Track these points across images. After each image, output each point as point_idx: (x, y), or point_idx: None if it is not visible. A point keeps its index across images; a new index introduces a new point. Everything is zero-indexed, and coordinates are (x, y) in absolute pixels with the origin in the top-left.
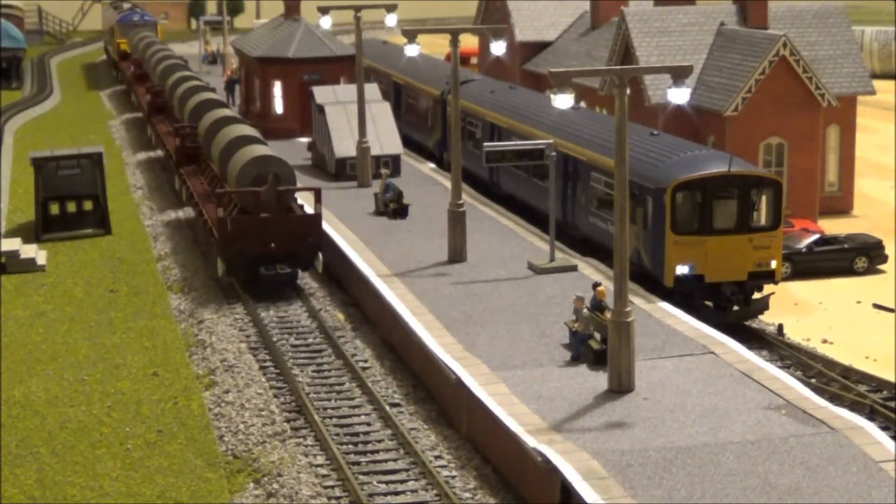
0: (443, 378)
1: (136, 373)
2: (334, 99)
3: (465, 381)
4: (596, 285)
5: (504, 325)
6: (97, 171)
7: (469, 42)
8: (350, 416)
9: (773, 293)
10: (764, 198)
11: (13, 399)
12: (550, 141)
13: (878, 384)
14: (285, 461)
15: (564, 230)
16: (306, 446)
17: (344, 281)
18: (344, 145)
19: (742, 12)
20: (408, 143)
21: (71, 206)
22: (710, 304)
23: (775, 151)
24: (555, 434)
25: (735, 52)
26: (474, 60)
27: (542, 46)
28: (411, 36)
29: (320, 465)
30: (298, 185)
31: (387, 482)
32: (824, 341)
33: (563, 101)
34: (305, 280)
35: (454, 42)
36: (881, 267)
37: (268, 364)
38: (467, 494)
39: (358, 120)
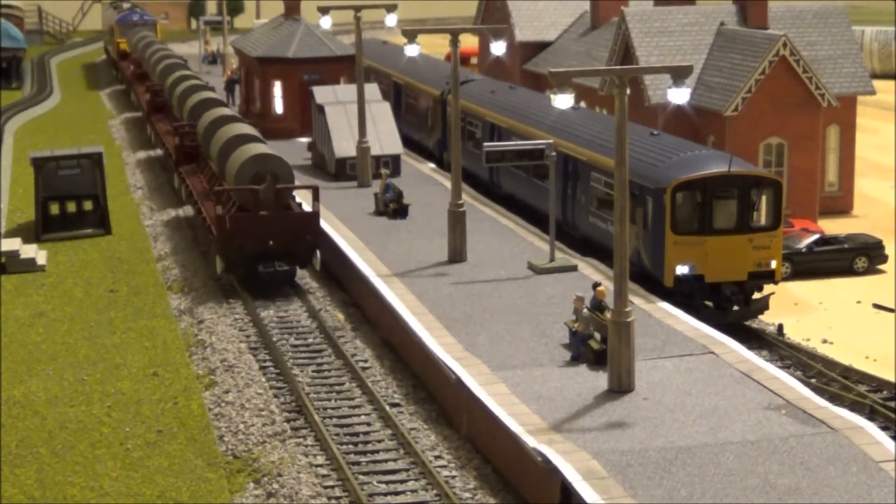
0: (443, 378)
1: (136, 373)
2: (334, 99)
3: (465, 381)
4: (596, 285)
5: (504, 325)
6: (97, 171)
7: (469, 42)
8: (350, 416)
9: (773, 293)
10: (764, 198)
11: (13, 399)
12: (550, 141)
13: (878, 384)
14: (285, 461)
15: (564, 230)
16: (306, 446)
17: (344, 281)
18: (344, 145)
19: (742, 12)
20: (408, 143)
21: (71, 206)
22: (710, 304)
23: (775, 151)
24: (555, 434)
25: (735, 52)
26: (474, 60)
27: (542, 46)
28: (411, 36)
29: (320, 465)
30: (297, 184)
31: (387, 482)
32: (824, 341)
33: (563, 101)
34: (305, 280)
35: (454, 42)
36: (881, 267)
37: (268, 364)
38: (467, 494)
39: (358, 120)
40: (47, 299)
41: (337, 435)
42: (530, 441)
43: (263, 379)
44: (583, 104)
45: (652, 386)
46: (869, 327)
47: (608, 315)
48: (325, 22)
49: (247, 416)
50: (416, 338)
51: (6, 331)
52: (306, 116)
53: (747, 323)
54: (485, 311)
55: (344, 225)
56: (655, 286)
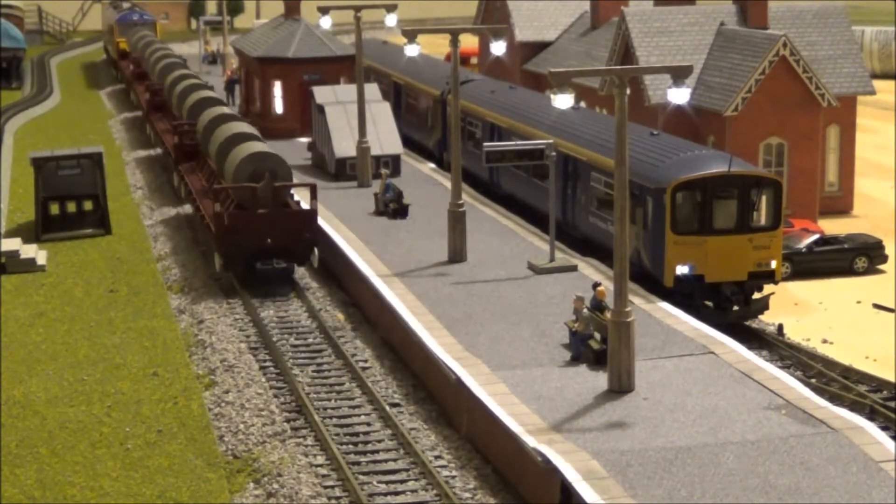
0: (443, 378)
1: (136, 373)
2: (334, 99)
3: (465, 381)
4: (596, 285)
5: (504, 325)
6: (97, 171)
7: (469, 42)
8: (350, 416)
9: (773, 293)
10: (764, 198)
11: (13, 399)
12: (550, 141)
13: (878, 384)
14: (285, 461)
15: (564, 230)
16: (306, 446)
17: (344, 281)
18: (344, 145)
19: (742, 12)
20: (408, 143)
21: (71, 206)
22: (710, 304)
23: (775, 151)
24: (555, 434)
25: (735, 52)
26: (474, 60)
27: (542, 46)
28: (411, 36)
29: (320, 465)
30: (295, 182)
31: (387, 482)
32: (824, 341)
33: (563, 101)
34: (305, 280)
35: (454, 42)
36: (881, 267)
37: (268, 364)
38: (467, 494)
39: (358, 120)
40: (47, 299)
41: (337, 435)
42: (530, 441)
43: (263, 379)
44: (583, 104)
45: (652, 386)
46: (869, 327)
47: (608, 315)
48: (325, 22)
49: (247, 416)
50: (416, 338)
51: (6, 331)
52: (306, 116)
53: (747, 323)
54: (485, 311)
55: (344, 225)
56: (655, 286)
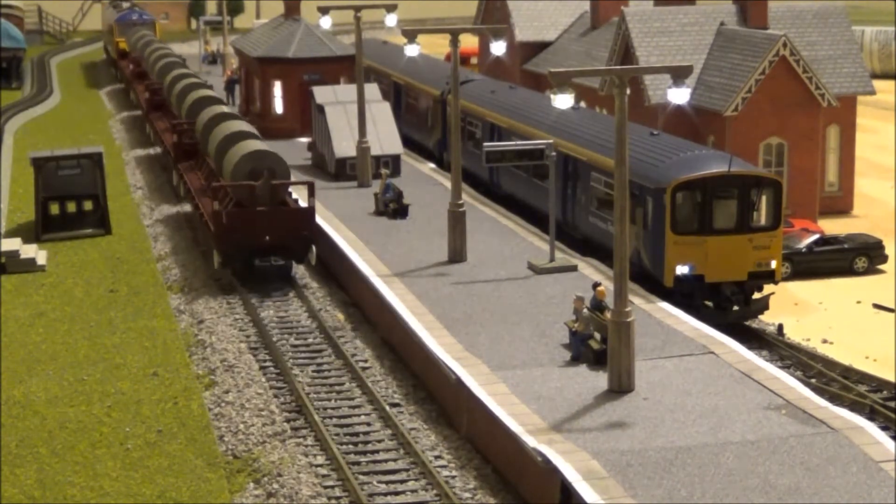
0: (443, 378)
1: (136, 373)
2: (334, 99)
3: (465, 381)
4: (596, 285)
5: (504, 325)
6: (97, 171)
7: (469, 42)
8: (350, 416)
9: (773, 293)
10: (764, 198)
11: (13, 399)
12: (550, 141)
13: (878, 384)
14: (285, 461)
15: (564, 230)
16: (306, 446)
17: (344, 281)
18: (344, 145)
19: (742, 12)
20: (408, 143)
21: (71, 206)
22: (710, 304)
23: (775, 151)
24: (555, 434)
25: (735, 52)
26: (474, 60)
27: (542, 46)
28: (411, 36)
29: (320, 465)
30: (293, 180)
31: (387, 482)
32: (824, 341)
33: (563, 101)
34: (305, 280)
35: (454, 42)
36: (881, 267)
37: (268, 364)
38: (467, 494)
39: (358, 120)
40: (47, 299)
41: (337, 435)
42: (530, 441)
43: (263, 379)
44: (583, 104)
45: (652, 386)
46: (869, 327)
47: (608, 315)
48: (325, 22)
49: (247, 416)
50: (416, 338)
51: (6, 331)
52: (306, 116)
53: (747, 323)
54: (485, 311)
55: (344, 225)
56: (655, 286)
